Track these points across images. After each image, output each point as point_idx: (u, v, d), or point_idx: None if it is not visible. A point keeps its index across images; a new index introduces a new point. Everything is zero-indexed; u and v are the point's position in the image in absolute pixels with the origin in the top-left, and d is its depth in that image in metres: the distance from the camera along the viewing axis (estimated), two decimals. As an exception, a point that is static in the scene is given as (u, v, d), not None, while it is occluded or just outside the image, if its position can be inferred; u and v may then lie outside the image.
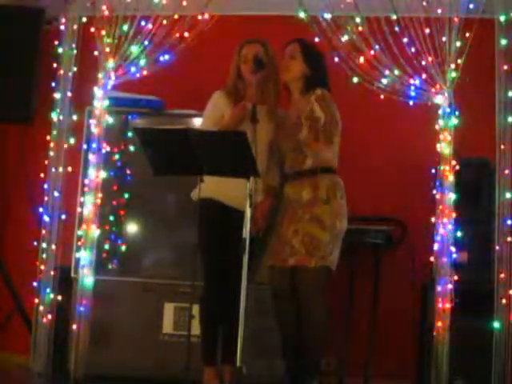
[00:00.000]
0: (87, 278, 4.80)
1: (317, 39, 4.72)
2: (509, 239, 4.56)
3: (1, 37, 5.30)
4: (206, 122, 4.26)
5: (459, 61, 4.64)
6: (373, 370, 4.90)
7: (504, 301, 4.50)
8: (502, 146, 4.64)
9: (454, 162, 4.62)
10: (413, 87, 4.72)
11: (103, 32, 4.93)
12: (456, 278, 4.52)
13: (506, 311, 4.49)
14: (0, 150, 5.71)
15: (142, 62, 4.93)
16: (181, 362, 3.85)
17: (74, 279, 4.91)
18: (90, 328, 4.78)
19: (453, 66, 4.64)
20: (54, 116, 5.11)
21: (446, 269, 4.52)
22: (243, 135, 3.66)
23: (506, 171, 4.62)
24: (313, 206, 4.04)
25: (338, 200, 4.08)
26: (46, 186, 5.07)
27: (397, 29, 4.72)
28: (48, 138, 5.11)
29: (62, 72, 5.11)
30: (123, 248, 5.09)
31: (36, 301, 4.97)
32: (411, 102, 4.77)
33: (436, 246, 4.58)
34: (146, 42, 4.93)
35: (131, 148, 5.14)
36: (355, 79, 4.77)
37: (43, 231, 5.02)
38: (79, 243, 4.86)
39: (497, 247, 4.56)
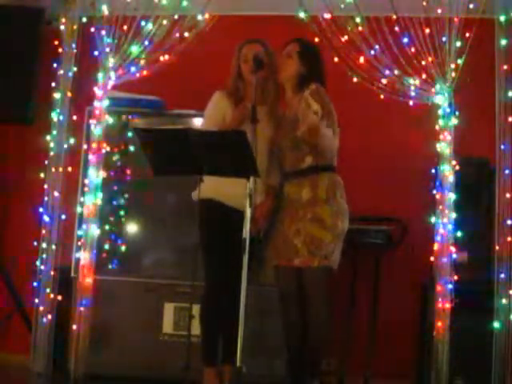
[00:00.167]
0: (87, 278, 4.80)
1: (317, 39, 4.72)
2: (509, 239, 4.56)
3: (1, 37, 5.29)
4: (207, 123, 4.26)
5: (459, 61, 4.65)
6: (373, 369, 4.90)
7: (504, 301, 4.50)
8: (502, 146, 4.65)
9: (454, 162, 4.63)
10: (413, 87, 4.73)
11: (103, 32, 4.94)
12: (456, 277, 4.52)
13: (506, 311, 4.49)
14: (0, 150, 5.71)
15: (142, 61, 4.93)
16: (181, 361, 3.85)
17: (73, 279, 4.91)
18: (90, 328, 4.78)
19: (453, 65, 4.65)
20: (54, 116, 5.11)
21: (445, 269, 4.53)
22: (243, 135, 3.66)
23: (506, 171, 4.62)
24: (313, 205, 4.04)
25: (337, 199, 4.07)
26: (45, 186, 5.07)
27: (397, 29, 4.72)
28: (48, 138, 5.12)
29: (61, 72, 5.11)
30: (123, 248, 5.09)
31: (36, 301, 4.97)
32: (411, 102, 4.78)
33: (436, 246, 4.58)
34: (146, 42, 4.93)
35: (131, 148, 5.14)
36: (355, 79, 4.78)
37: (43, 231, 5.02)
38: (79, 243, 4.87)
39: (497, 247, 4.57)
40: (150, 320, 4.90)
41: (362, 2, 4.76)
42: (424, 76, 4.69)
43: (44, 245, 4.99)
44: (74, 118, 5.13)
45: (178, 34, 4.92)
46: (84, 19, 5.15)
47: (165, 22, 4.92)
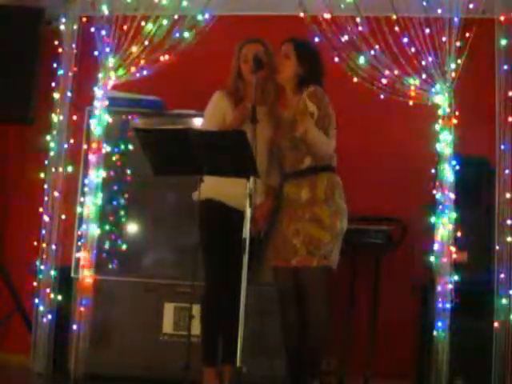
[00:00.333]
0: (87, 278, 4.80)
1: (317, 39, 4.72)
2: (509, 239, 4.56)
3: (1, 37, 5.29)
4: (207, 123, 4.26)
5: (459, 61, 4.65)
6: (373, 369, 4.90)
7: (504, 301, 4.50)
8: (502, 146, 4.65)
9: (453, 162, 4.63)
10: (413, 87, 4.72)
11: (103, 32, 4.94)
12: (456, 277, 4.52)
13: (506, 311, 4.49)
14: (0, 150, 5.71)
15: (142, 61, 4.93)
16: (181, 361, 3.85)
17: (73, 279, 4.91)
18: (90, 328, 4.79)
19: (453, 65, 4.65)
20: (54, 116, 5.11)
21: (445, 269, 4.53)
22: (243, 134, 3.66)
23: (506, 171, 4.62)
24: (312, 205, 4.04)
25: (336, 199, 4.08)
26: (45, 186, 5.07)
27: (397, 29, 4.72)
28: (48, 138, 5.12)
29: (61, 72, 5.12)
30: (123, 248, 5.08)
31: (36, 301, 4.97)
32: (411, 102, 4.78)
33: (436, 246, 4.58)
34: (146, 42, 4.93)
35: (131, 148, 5.13)
36: (355, 79, 4.78)
37: (43, 231, 5.02)
38: (79, 243, 4.87)
39: (497, 247, 4.57)
40: (149, 320, 4.90)
41: (362, 2, 4.76)
42: (424, 76, 4.69)
43: (44, 245, 4.99)
44: (74, 118, 5.13)
45: (177, 34, 4.93)
46: (84, 19, 5.15)
47: (165, 22, 4.92)
